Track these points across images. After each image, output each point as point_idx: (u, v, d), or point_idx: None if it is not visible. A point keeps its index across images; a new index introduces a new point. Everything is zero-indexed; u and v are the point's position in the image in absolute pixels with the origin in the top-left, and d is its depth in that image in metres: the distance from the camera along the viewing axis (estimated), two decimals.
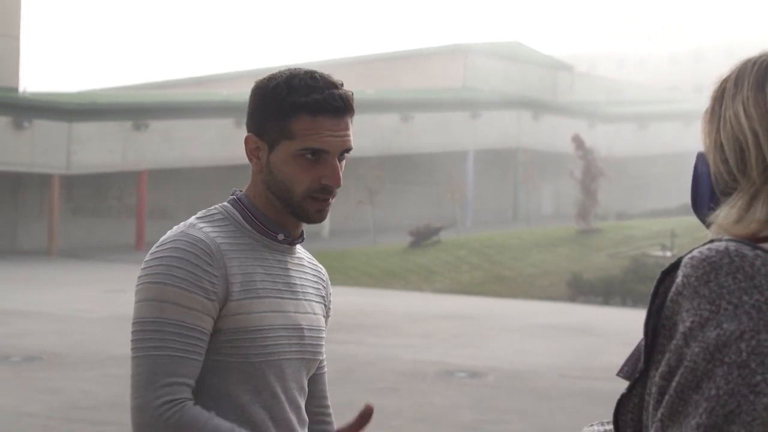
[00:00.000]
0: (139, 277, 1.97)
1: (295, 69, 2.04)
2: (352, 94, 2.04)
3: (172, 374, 1.89)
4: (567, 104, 48.24)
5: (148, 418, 1.87)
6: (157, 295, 1.91)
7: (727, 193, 1.38)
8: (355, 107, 2.04)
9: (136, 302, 1.96)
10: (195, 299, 1.91)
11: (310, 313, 2.11)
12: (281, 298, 2.04)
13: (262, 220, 2.06)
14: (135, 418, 1.89)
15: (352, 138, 2.03)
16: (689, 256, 1.28)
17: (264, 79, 2.05)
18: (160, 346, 1.89)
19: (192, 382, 1.91)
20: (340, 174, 2.02)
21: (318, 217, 2.04)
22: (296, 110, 1.97)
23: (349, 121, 2.03)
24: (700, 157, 1.44)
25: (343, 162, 2.05)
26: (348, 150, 2.03)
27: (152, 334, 1.90)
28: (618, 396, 1.35)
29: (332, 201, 2.05)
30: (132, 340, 1.94)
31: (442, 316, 17.28)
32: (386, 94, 40.17)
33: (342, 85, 2.03)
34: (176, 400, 1.87)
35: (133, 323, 1.94)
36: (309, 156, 1.99)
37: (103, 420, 8.14)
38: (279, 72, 2.04)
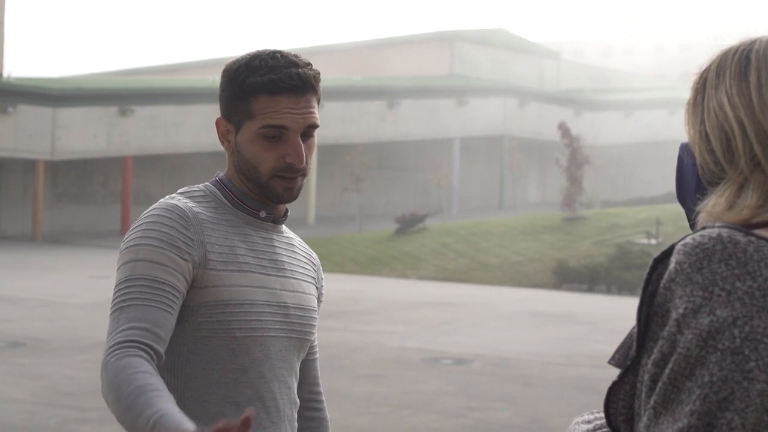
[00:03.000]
0: (120, 248, 1.98)
1: (260, 50, 2.04)
2: (317, 73, 2.02)
3: (133, 320, 1.85)
4: (553, 92, 48.28)
5: (102, 360, 1.84)
6: (131, 256, 1.92)
7: (714, 183, 1.37)
8: (318, 86, 2.02)
9: (116, 271, 1.97)
10: (166, 255, 1.91)
11: (298, 292, 2.09)
12: (266, 274, 2.03)
13: (243, 199, 2.06)
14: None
15: (316, 116, 2.02)
16: (682, 242, 1.28)
17: (231, 61, 2.06)
18: (127, 299, 1.88)
19: (155, 328, 1.85)
20: (303, 152, 2.00)
21: (287, 195, 2.03)
22: (254, 90, 1.98)
23: (312, 99, 2.01)
24: (684, 148, 1.44)
25: (311, 140, 2.03)
26: (312, 127, 2.01)
27: (122, 290, 1.90)
28: (603, 384, 1.34)
29: (301, 180, 2.04)
30: (111, 303, 1.94)
31: (428, 303, 17.30)
32: (373, 81, 40.11)
33: (306, 64, 2.02)
34: (127, 342, 1.82)
35: (113, 289, 1.95)
36: (270, 135, 1.98)
37: (88, 406, 8.12)
38: (245, 54, 2.05)
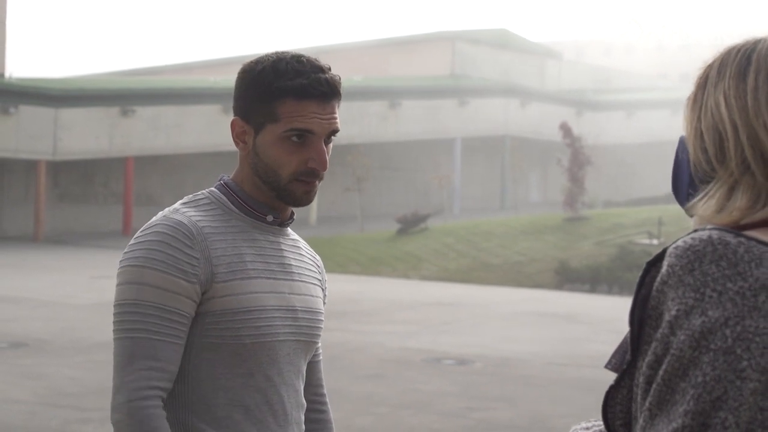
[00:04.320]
0: (120, 261, 1.97)
1: (282, 52, 2.02)
2: (339, 78, 2.02)
3: (150, 357, 1.88)
4: (554, 92, 48.25)
5: (121, 400, 1.87)
6: (136, 277, 1.91)
7: (706, 182, 1.37)
8: (342, 92, 2.02)
9: (116, 285, 1.96)
10: (174, 281, 1.90)
11: (306, 294, 2.09)
12: (275, 278, 2.02)
13: (250, 203, 2.05)
14: (112, 400, 1.90)
15: (338, 121, 2.02)
16: (674, 246, 1.28)
17: (251, 62, 2.04)
18: (138, 328, 1.89)
19: (170, 366, 1.90)
20: (327, 157, 2.01)
21: (305, 199, 2.03)
22: (282, 94, 1.96)
23: (336, 105, 2.01)
24: (682, 143, 1.44)
25: (330, 145, 2.03)
26: (334, 132, 2.02)
27: (130, 315, 1.90)
28: (604, 384, 1.35)
29: (319, 183, 2.04)
30: (113, 323, 1.95)
31: (429, 303, 17.29)
32: (374, 81, 40.10)
33: (329, 69, 2.02)
34: (147, 389, 1.87)
35: (114, 306, 1.95)
36: (295, 138, 1.98)
37: (89, 406, 8.13)
38: (266, 55, 2.03)
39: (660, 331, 1.25)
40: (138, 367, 1.87)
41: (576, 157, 32.15)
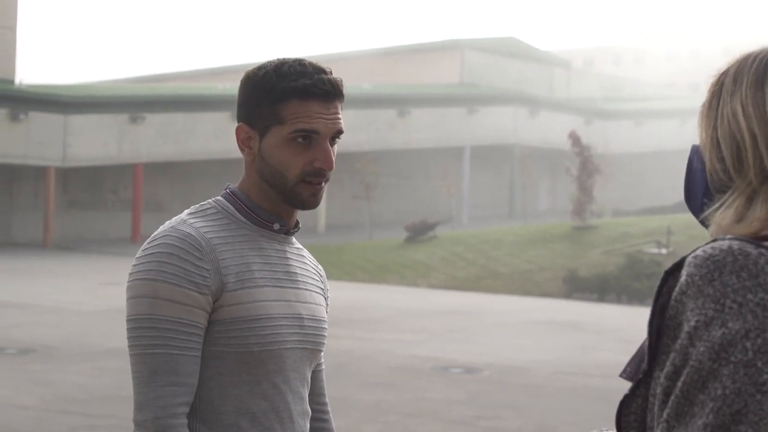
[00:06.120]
0: (130, 273, 1.96)
1: (283, 58, 2.04)
2: (341, 80, 2.03)
3: (172, 373, 1.89)
4: (563, 100, 48.25)
5: (149, 417, 1.88)
6: (149, 291, 1.91)
7: (722, 191, 1.35)
8: (345, 94, 2.03)
9: (128, 299, 1.95)
10: (187, 294, 1.90)
11: (311, 303, 2.10)
12: (281, 287, 2.03)
13: (257, 211, 2.05)
14: (135, 416, 1.90)
15: (342, 122, 2.03)
16: (693, 255, 1.26)
17: (253, 68, 2.05)
18: (157, 344, 1.89)
19: (191, 379, 1.91)
20: (333, 157, 2.01)
21: (312, 201, 2.03)
22: (286, 95, 1.97)
23: (339, 105, 2.02)
24: (696, 151, 1.41)
25: (335, 147, 2.04)
26: (339, 133, 2.02)
27: (148, 331, 1.90)
28: (612, 393, 1.34)
29: (325, 185, 2.04)
30: (128, 338, 1.94)
31: (438, 312, 17.27)
32: (383, 89, 40.16)
33: (331, 72, 2.03)
34: (173, 406, 1.88)
35: (128, 320, 1.94)
36: (300, 140, 1.98)
37: (97, 413, 8.13)
38: (268, 61, 2.05)
39: (679, 341, 1.23)
40: (161, 383, 1.88)
41: (585, 166, 32.14)
